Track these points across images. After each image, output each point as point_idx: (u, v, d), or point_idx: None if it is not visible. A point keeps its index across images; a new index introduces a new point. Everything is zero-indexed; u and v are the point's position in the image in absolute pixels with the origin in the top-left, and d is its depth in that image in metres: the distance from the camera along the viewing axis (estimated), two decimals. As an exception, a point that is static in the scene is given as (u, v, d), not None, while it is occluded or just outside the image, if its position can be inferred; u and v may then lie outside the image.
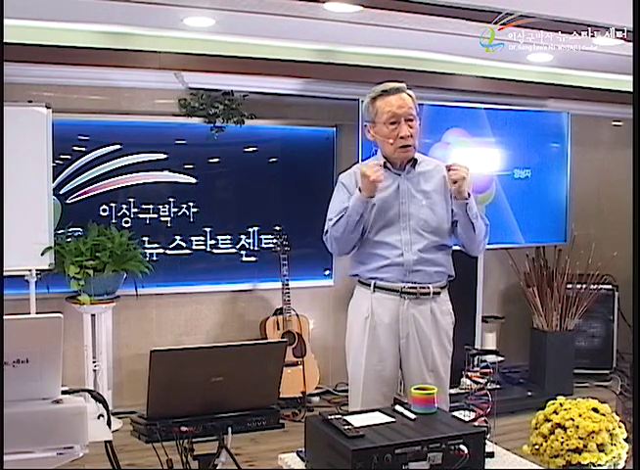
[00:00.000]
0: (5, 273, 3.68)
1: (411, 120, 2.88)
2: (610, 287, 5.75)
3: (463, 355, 2.73)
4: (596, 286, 5.43)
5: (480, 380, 2.56)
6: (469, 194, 2.86)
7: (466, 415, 2.43)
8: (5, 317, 1.97)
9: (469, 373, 2.62)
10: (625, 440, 2.30)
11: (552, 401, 2.41)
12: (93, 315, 4.49)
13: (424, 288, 2.90)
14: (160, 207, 4.94)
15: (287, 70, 4.78)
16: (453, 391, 3.07)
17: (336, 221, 2.88)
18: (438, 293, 2.94)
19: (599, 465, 2.22)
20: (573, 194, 5.55)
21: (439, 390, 2.62)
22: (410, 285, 2.88)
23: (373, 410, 2.29)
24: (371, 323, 2.91)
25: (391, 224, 2.90)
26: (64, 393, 2.16)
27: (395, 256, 2.88)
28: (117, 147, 4.79)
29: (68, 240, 4.52)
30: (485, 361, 2.70)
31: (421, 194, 2.93)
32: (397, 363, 2.94)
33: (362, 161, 3.35)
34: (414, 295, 2.89)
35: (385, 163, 2.94)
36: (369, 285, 2.93)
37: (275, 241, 5.04)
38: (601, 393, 5.17)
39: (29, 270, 4.26)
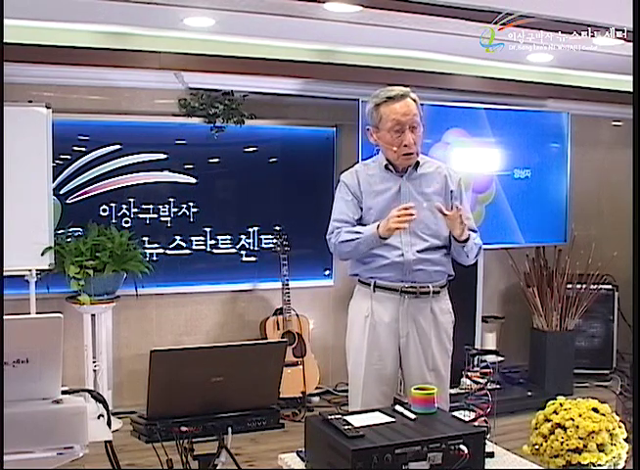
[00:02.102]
0: (5, 273, 3.68)
1: (415, 128, 2.88)
2: (610, 287, 5.74)
3: (463, 355, 2.73)
4: (596, 286, 5.42)
5: (480, 380, 2.56)
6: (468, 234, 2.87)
7: (466, 415, 2.43)
8: (5, 317, 1.97)
9: (469, 373, 2.62)
10: (625, 440, 2.30)
11: (552, 401, 2.41)
12: (93, 315, 4.49)
13: (424, 287, 2.90)
14: (160, 207, 4.94)
15: (287, 70, 4.78)
16: (453, 391, 3.08)
17: (346, 240, 2.87)
18: (438, 292, 2.95)
19: (599, 465, 2.22)
20: (573, 194, 5.55)
21: (440, 389, 2.62)
22: (410, 284, 2.89)
23: (373, 410, 2.29)
24: (371, 322, 2.92)
25: None
26: (64, 393, 2.16)
27: (395, 256, 2.88)
28: (117, 147, 4.79)
29: (69, 240, 4.52)
30: (485, 361, 2.70)
31: (422, 196, 2.94)
32: (397, 362, 2.95)
33: (362, 160, 3.35)
34: (414, 294, 2.89)
35: (386, 164, 2.95)
36: (369, 284, 2.94)
37: (275, 241, 5.04)
38: (601, 393, 5.17)
39: (29, 270, 4.26)
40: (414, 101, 2.90)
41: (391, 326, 2.90)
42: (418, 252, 2.89)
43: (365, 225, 2.91)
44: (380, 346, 2.92)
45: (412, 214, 2.72)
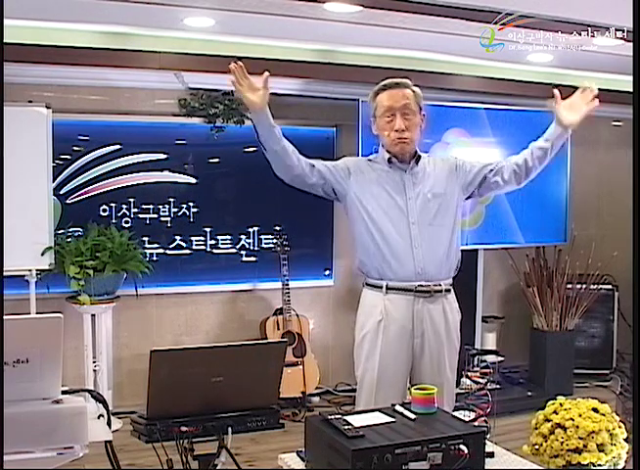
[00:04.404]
0: (5, 273, 3.68)
1: (407, 114, 2.88)
2: (610, 287, 5.75)
3: (463, 355, 2.73)
4: (596, 286, 5.42)
5: (480, 380, 2.57)
6: None
7: (466, 415, 2.43)
8: (5, 317, 1.97)
9: (469, 373, 2.63)
10: (625, 440, 2.30)
11: (552, 401, 2.40)
12: (93, 315, 4.49)
13: (437, 285, 2.87)
14: (160, 207, 4.94)
15: (287, 70, 4.77)
16: (453, 390, 3.07)
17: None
18: (449, 290, 2.92)
19: (599, 465, 2.22)
20: (573, 194, 5.54)
21: (443, 389, 2.62)
22: (423, 283, 2.84)
23: (373, 410, 2.29)
24: (385, 325, 2.86)
25: (399, 220, 2.87)
26: (64, 393, 2.16)
27: (406, 251, 2.84)
28: (117, 147, 4.79)
29: (69, 240, 4.52)
30: (485, 361, 2.71)
31: (427, 189, 2.93)
32: (410, 364, 2.89)
33: (362, 160, 3.35)
34: (428, 293, 2.85)
35: (389, 158, 2.94)
36: (380, 287, 2.87)
37: (275, 241, 5.04)
38: (601, 393, 5.18)
39: (29, 270, 4.26)
40: (412, 91, 2.91)
41: (405, 327, 2.84)
42: (429, 246, 2.85)
43: (373, 219, 2.89)
44: (394, 348, 2.85)
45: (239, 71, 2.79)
